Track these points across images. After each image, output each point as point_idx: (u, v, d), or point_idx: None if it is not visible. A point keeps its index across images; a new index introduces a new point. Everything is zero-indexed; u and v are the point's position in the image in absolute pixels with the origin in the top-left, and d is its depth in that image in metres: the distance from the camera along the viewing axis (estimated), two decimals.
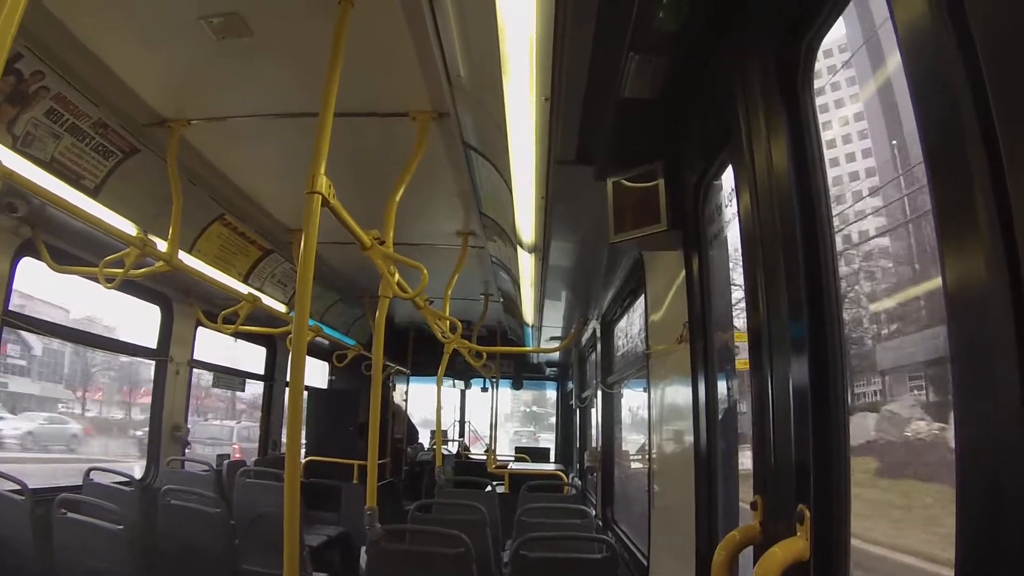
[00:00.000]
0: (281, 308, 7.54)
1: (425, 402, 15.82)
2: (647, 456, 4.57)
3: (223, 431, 21.47)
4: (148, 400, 7.08)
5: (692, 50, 2.32)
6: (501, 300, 9.11)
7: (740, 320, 2.91)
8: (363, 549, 4.29)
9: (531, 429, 30.19)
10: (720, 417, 2.98)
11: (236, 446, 18.77)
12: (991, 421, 1.05)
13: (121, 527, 4.31)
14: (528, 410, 30.14)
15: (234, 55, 3.59)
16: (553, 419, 17.13)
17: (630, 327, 6.52)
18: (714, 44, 2.28)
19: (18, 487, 4.74)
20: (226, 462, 8.18)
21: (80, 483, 5.81)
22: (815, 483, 1.67)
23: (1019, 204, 0.96)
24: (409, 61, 3.49)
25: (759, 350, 2.02)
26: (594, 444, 8.76)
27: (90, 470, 5.94)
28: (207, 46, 3.48)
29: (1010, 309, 0.98)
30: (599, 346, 7.59)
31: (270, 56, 3.61)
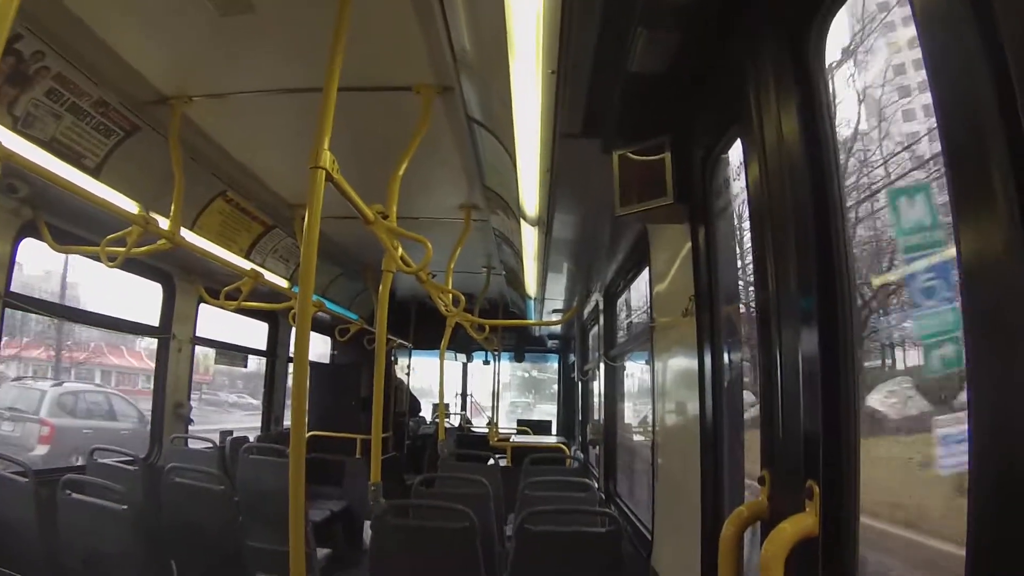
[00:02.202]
0: (283, 283, 7.53)
1: (427, 375, 15.88)
2: (650, 429, 4.58)
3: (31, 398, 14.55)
4: None
5: (702, 24, 2.30)
6: (504, 273, 9.09)
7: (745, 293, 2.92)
8: (366, 524, 4.30)
9: (528, 400, 29.87)
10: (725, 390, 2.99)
11: (47, 424, 13.95)
12: (1006, 399, 1.05)
13: (125, 507, 4.32)
14: (527, 375, 29.45)
15: (236, 31, 3.55)
16: (554, 387, 17.13)
17: (634, 300, 6.53)
18: (725, 18, 2.26)
19: (21, 469, 4.76)
20: (229, 439, 8.21)
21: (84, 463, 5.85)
22: (824, 458, 1.68)
23: None
24: (413, 35, 3.46)
25: (767, 323, 2.01)
26: (596, 417, 8.79)
27: (94, 450, 5.97)
28: (208, 22, 3.44)
29: None
30: (602, 319, 7.60)
31: (272, 31, 3.58)
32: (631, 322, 6.85)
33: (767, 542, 1.66)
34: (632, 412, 7.52)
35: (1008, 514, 1.05)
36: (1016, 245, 1.00)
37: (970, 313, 1.15)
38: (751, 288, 2.47)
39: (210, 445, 7.36)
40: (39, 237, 4.93)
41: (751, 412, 2.79)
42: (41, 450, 13.49)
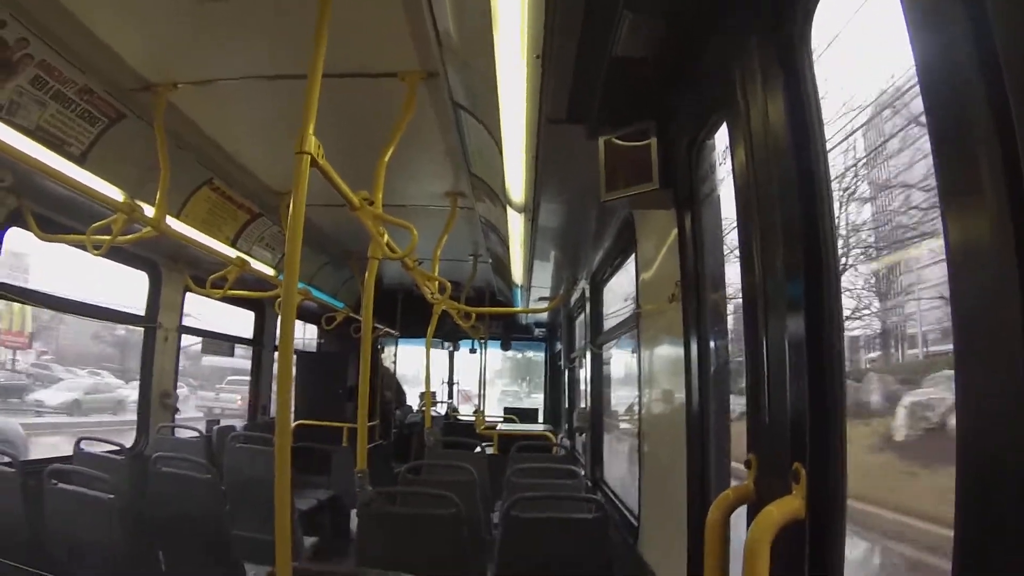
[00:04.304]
0: (270, 272, 7.49)
1: (414, 364, 15.82)
2: (636, 416, 4.59)
3: None
4: None
5: (688, 8, 2.29)
6: (490, 261, 9.08)
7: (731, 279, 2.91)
8: (353, 512, 4.31)
9: (519, 388, 29.52)
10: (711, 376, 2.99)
11: None
12: (994, 394, 1.05)
13: (112, 496, 4.32)
14: (520, 356, 28.78)
15: (219, 17, 3.52)
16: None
17: (620, 287, 6.53)
18: (711, 3, 2.25)
19: (8, 459, 4.74)
20: (215, 428, 8.19)
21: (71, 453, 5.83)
22: (811, 441, 1.68)
23: None
24: (397, 20, 3.44)
25: (754, 308, 2.02)
26: (583, 404, 8.79)
27: (80, 440, 5.94)
28: (191, 8, 3.41)
29: (1016, 273, 0.98)
30: (588, 306, 7.58)
31: (256, 17, 3.55)
32: (618, 309, 6.85)
33: (753, 525, 1.66)
34: (618, 399, 7.52)
35: (994, 507, 1.05)
36: (1003, 236, 1.00)
37: (957, 303, 1.15)
38: (737, 274, 2.47)
39: (196, 434, 7.33)
40: (24, 226, 4.89)
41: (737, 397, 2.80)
42: None
